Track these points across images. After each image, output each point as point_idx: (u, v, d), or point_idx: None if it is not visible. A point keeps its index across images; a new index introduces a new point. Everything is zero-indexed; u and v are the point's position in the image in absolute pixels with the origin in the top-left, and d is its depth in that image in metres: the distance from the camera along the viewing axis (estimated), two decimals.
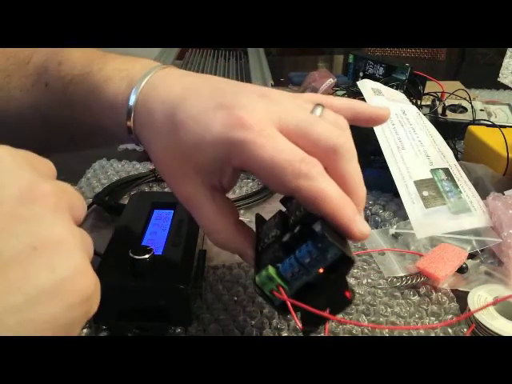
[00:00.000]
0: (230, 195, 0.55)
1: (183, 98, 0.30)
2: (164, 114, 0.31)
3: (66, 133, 0.39)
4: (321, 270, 0.27)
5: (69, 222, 0.21)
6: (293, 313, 0.28)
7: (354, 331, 0.37)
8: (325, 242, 0.27)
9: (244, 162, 0.29)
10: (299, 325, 0.29)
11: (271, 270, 0.28)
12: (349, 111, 0.33)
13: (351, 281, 0.43)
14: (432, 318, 0.39)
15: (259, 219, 0.35)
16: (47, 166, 0.23)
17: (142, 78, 0.32)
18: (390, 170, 0.49)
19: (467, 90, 0.73)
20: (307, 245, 0.28)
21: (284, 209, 0.33)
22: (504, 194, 0.49)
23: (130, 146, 0.68)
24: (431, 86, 0.70)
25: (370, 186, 0.57)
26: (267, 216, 0.34)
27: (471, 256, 0.45)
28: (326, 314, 0.28)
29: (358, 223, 0.28)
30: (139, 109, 0.32)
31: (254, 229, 0.34)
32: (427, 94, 0.70)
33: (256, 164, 0.28)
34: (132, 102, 0.32)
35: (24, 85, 0.38)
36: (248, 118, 0.28)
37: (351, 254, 0.27)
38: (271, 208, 0.52)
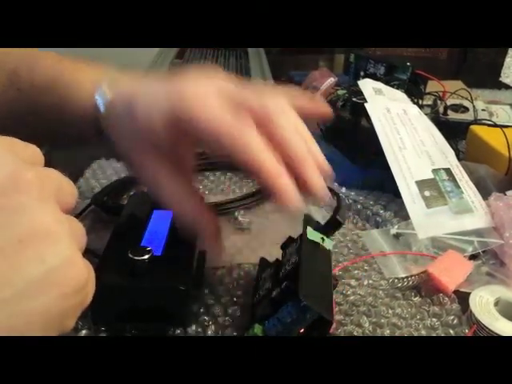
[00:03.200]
0: (230, 196, 0.55)
1: (138, 90, 0.36)
2: (124, 103, 0.36)
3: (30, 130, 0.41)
4: (301, 330, 0.30)
5: (54, 210, 0.21)
6: None
7: (354, 332, 0.37)
8: (303, 305, 0.29)
9: (187, 125, 0.32)
10: None
11: (257, 329, 0.31)
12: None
13: (352, 282, 0.42)
14: (433, 319, 0.38)
15: (263, 262, 0.38)
16: (32, 151, 0.23)
17: (106, 80, 0.38)
18: (392, 169, 0.48)
19: (469, 90, 0.72)
20: (287, 305, 0.30)
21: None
22: (506, 195, 0.49)
23: None
24: (432, 86, 0.70)
25: (371, 186, 0.58)
26: (267, 215, 0.35)
27: (473, 257, 0.45)
28: None
29: (289, 193, 0.30)
30: (107, 106, 0.37)
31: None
32: (428, 93, 0.70)
33: (196, 127, 0.31)
34: (101, 103, 0.37)
35: None
36: (187, 89, 0.33)
37: (330, 314, 0.30)
38: (271, 208, 0.52)
